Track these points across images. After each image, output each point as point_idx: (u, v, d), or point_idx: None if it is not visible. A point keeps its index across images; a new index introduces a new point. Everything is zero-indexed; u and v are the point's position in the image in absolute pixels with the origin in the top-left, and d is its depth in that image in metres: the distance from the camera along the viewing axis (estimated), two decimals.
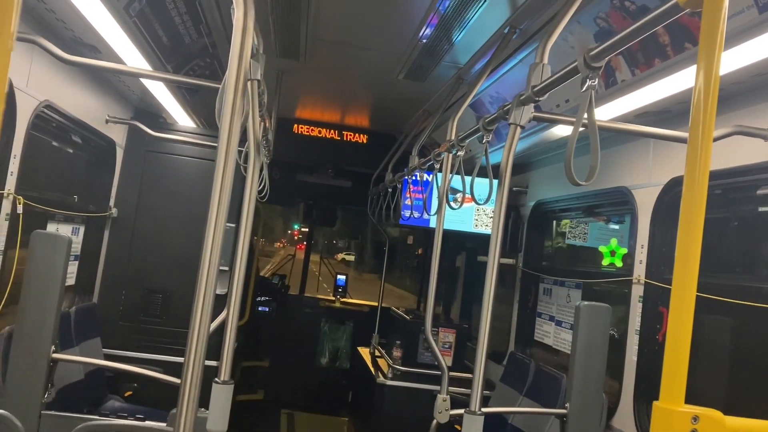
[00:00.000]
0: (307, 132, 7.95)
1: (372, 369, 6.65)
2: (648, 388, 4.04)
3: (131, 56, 4.17)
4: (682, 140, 3.26)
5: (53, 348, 3.55)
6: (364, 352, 7.54)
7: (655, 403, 1.40)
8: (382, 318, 7.60)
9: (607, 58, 2.07)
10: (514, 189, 6.29)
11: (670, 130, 3.19)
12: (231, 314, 2.89)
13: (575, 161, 2.12)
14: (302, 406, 9.11)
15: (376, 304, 8.20)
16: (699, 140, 1.41)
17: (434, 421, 3.73)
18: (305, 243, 11.13)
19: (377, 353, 7.10)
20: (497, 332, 6.55)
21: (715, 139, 3.10)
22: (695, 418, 1.38)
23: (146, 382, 5.41)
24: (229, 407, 2.71)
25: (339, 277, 10.04)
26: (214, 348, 2.81)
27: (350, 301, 9.95)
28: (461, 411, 3.10)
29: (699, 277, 1.39)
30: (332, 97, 6.96)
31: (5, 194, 3.80)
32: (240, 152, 3.79)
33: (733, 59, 2.78)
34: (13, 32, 1.18)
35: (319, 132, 7.99)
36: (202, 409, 2.88)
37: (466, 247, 8.20)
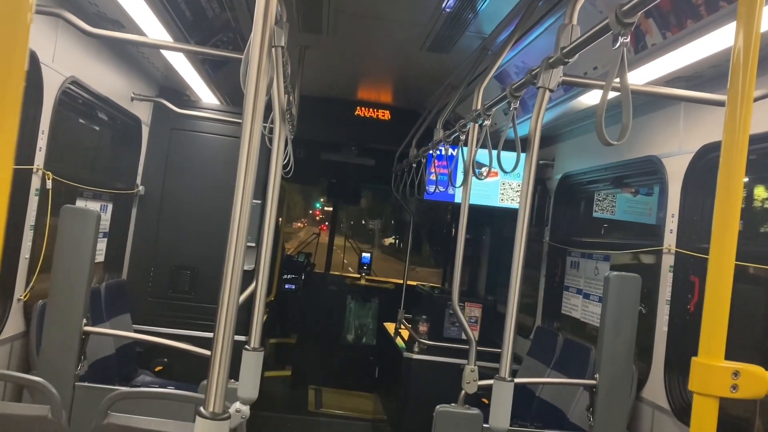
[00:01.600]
0: (330, 109, 7.92)
1: (398, 344, 6.67)
2: (679, 359, 4.00)
3: (155, 31, 4.17)
4: (717, 103, 3.18)
5: (84, 321, 3.61)
6: (390, 328, 7.56)
7: (694, 359, 1.37)
8: (408, 294, 7.61)
9: (639, 13, 2.01)
10: (541, 162, 6.22)
11: (704, 93, 3.11)
12: (259, 286, 2.90)
13: (605, 130, 2.08)
14: (329, 382, 9.18)
15: (401, 281, 8.20)
16: (738, 102, 1.37)
17: (462, 392, 3.72)
18: (328, 224, 11.17)
19: (403, 329, 7.11)
20: (524, 307, 6.52)
21: (756, 100, 3.03)
22: (736, 373, 1.35)
23: (176, 356, 5.50)
24: (260, 375, 2.73)
25: (364, 254, 10.07)
26: (242, 323, 2.83)
27: (375, 278, 9.98)
28: (490, 381, 3.09)
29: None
30: (355, 73, 6.91)
31: (34, 169, 3.85)
32: (264, 127, 3.79)
33: None
34: (32, 4, 1.16)
35: (342, 109, 7.95)
36: (232, 380, 2.91)
37: (492, 221, 8.15)
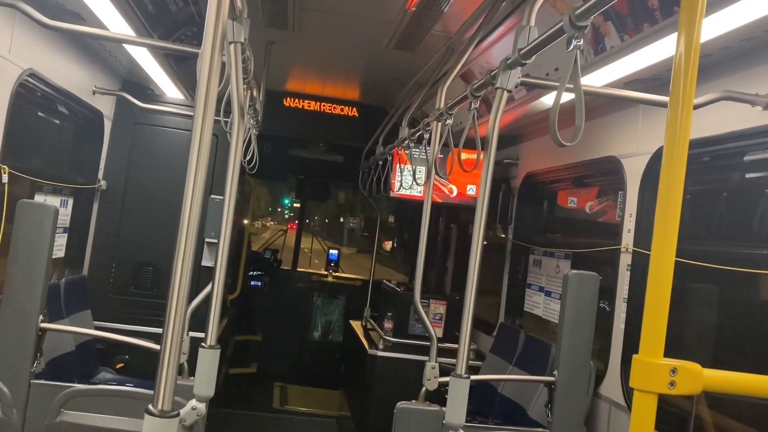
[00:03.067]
0: (298, 105, 7.89)
1: (364, 341, 6.68)
2: None
3: (116, 24, 4.10)
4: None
5: (41, 318, 3.55)
6: (356, 325, 7.57)
7: (634, 356, 1.41)
8: (374, 291, 7.62)
9: (592, 17, 2.04)
10: (505, 161, 6.28)
11: (661, 96, 3.17)
12: (217, 282, 2.88)
13: (567, 131, 2.11)
14: (295, 379, 9.17)
15: (368, 278, 8.21)
16: (679, 106, 1.42)
17: (423, 389, 3.75)
18: (296, 221, 11.13)
19: (369, 326, 7.13)
20: (488, 304, 6.58)
21: (702, 105, 3.11)
22: (674, 370, 1.39)
23: (138, 353, 5.43)
24: (216, 372, 2.72)
25: (331, 251, 10.06)
26: (204, 321, 2.81)
27: (342, 275, 9.98)
28: (449, 378, 3.11)
29: (682, 243, 1.40)
30: (322, 69, 6.90)
31: None
32: (226, 123, 3.76)
33: (721, 23, 2.75)
34: None
35: (310, 105, 7.91)
36: (192, 377, 2.89)
37: (459, 218, 8.20)
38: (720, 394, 2.99)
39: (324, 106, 7.91)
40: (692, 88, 1.41)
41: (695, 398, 3.21)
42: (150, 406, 1.66)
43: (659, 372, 1.40)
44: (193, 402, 2.63)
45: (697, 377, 1.42)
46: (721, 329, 3.82)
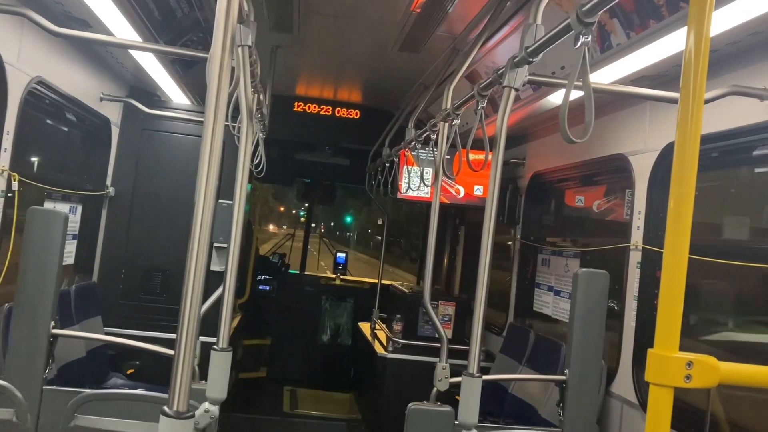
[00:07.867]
0: (303, 109, 7.91)
1: (373, 344, 6.68)
2: (647, 354, 4.05)
3: (122, 31, 4.13)
4: (677, 101, 3.25)
5: (53, 324, 3.56)
6: (365, 327, 7.57)
7: (650, 350, 1.41)
8: (383, 294, 7.63)
9: (599, 13, 2.04)
10: (512, 161, 6.27)
11: (668, 92, 3.17)
12: (227, 286, 2.89)
13: (575, 128, 2.11)
14: (305, 382, 9.17)
15: (376, 280, 8.22)
16: (690, 101, 1.42)
17: (434, 390, 3.74)
18: (304, 226, 11.15)
19: (378, 328, 7.13)
20: (497, 304, 6.57)
21: (710, 100, 3.10)
22: (689, 364, 1.38)
23: (148, 359, 5.45)
24: (228, 375, 2.72)
25: (339, 254, 10.07)
26: (213, 325, 2.82)
27: (350, 278, 9.99)
28: (460, 378, 3.11)
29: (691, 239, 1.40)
30: (327, 72, 6.92)
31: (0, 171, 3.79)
32: (234, 127, 3.78)
33: (728, 17, 2.75)
34: None
35: (316, 109, 7.93)
36: (203, 381, 2.90)
37: (466, 219, 8.19)
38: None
39: (329, 109, 7.93)
40: (703, 84, 1.41)
41: (711, 393, 3.20)
42: (165, 408, 1.67)
43: (675, 365, 1.39)
44: (206, 405, 2.64)
45: (713, 370, 1.41)
46: (727, 322, 3.81)
